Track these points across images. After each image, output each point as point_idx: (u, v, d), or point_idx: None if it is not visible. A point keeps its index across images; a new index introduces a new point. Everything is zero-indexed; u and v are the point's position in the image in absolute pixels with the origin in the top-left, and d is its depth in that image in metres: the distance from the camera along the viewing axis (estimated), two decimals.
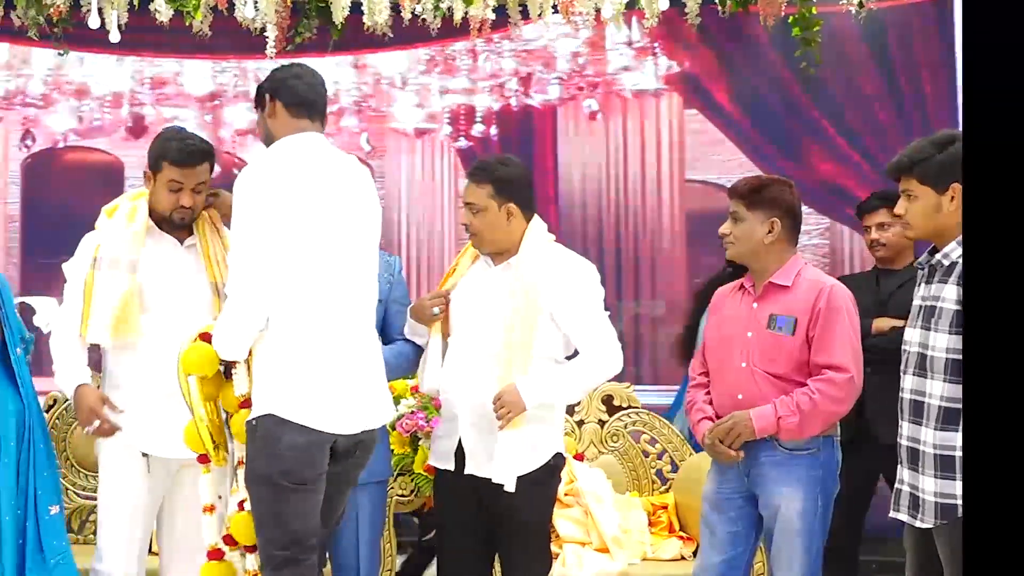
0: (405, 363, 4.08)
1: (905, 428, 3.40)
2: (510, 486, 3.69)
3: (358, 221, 3.54)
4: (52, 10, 5.43)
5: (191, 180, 3.84)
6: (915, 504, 3.36)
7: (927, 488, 3.30)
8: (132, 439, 3.80)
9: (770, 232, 3.88)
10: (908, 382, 3.40)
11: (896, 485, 3.46)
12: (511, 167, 3.91)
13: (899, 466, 3.44)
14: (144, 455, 3.81)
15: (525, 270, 3.81)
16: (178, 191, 3.84)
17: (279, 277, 3.36)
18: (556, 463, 3.86)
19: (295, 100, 3.53)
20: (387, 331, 4.08)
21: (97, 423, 3.79)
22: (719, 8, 5.64)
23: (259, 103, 3.61)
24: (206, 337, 3.47)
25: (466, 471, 3.78)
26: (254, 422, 3.37)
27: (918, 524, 3.35)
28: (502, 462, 3.69)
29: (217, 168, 4.01)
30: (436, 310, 3.90)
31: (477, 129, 7.28)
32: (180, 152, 3.85)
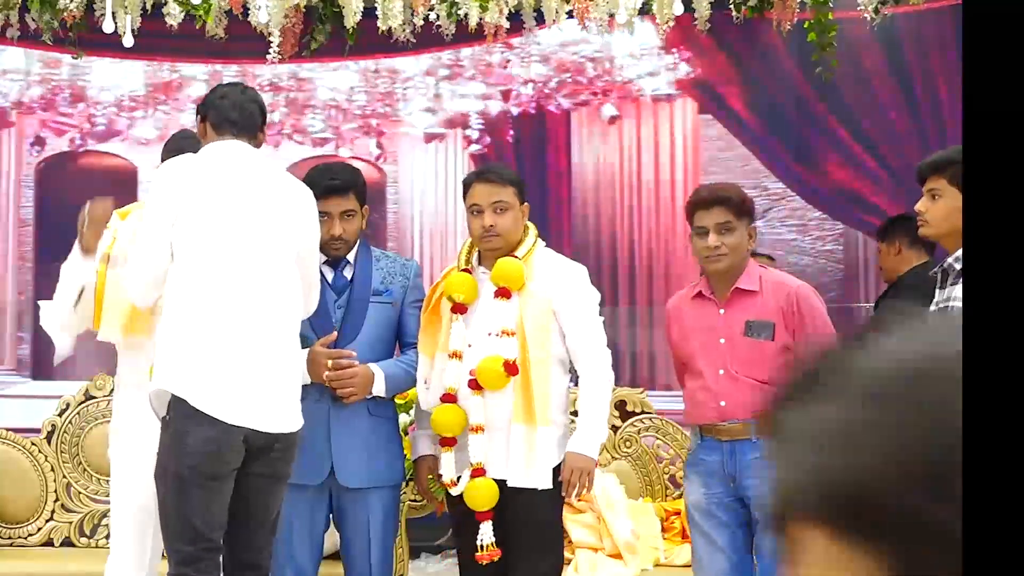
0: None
1: None
2: (546, 484, 3.78)
3: (272, 226, 3.56)
4: (66, 14, 5.44)
5: None
6: None
7: None
8: (146, 441, 3.79)
9: (751, 239, 3.87)
10: None
11: None
12: (514, 172, 4.09)
13: None
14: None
15: (537, 279, 3.84)
16: None
17: (180, 257, 3.45)
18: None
19: (219, 119, 3.67)
20: (402, 336, 4.08)
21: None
22: (733, 14, 5.64)
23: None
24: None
25: (488, 476, 3.80)
26: (168, 417, 3.41)
27: None
28: (539, 466, 3.76)
29: None
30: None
31: (491, 134, 7.27)
32: (197, 145, 4.00)
